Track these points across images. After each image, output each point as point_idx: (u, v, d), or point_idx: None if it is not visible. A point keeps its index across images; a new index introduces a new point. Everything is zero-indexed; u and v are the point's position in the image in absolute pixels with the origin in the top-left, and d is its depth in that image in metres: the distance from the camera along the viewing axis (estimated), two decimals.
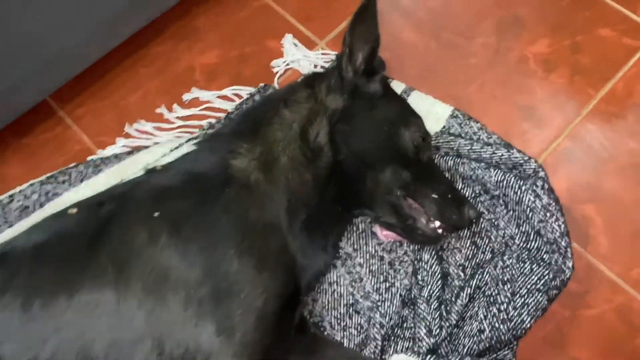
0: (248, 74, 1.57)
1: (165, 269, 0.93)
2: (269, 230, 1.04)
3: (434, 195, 1.16)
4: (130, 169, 1.31)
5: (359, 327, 1.19)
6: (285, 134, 1.14)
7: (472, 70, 1.55)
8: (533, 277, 1.18)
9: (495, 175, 1.26)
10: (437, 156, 1.35)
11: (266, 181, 1.09)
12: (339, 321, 1.20)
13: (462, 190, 1.33)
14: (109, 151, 1.43)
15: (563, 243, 1.18)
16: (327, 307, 1.21)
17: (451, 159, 1.33)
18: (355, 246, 1.28)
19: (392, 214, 1.18)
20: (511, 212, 1.27)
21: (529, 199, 1.22)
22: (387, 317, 1.19)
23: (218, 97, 1.53)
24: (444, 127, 1.41)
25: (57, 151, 1.51)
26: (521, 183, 1.23)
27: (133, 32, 1.51)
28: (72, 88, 1.56)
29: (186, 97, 1.54)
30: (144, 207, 1.00)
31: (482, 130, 1.39)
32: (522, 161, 1.28)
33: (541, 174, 1.25)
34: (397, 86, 1.48)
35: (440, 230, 1.19)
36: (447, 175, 1.35)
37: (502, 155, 1.30)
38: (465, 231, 1.29)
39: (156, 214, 0.98)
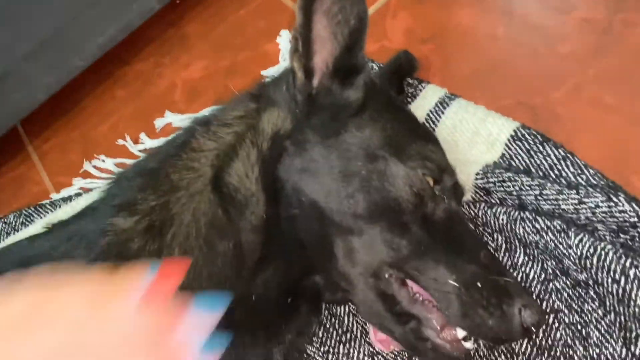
0: (237, 87, 1.16)
1: None
2: None
3: (453, 282, 0.64)
4: None
5: None
6: (193, 177, 0.70)
7: (563, 65, 0.96)
8: None
9: (580, 244, 0.69)
10: (483, 207, 0.80)
11: (151, 253, 0.66)
12: None
13: (520, 269, 0.76)
14: (63, 194, 1.15)
15: None
16: None
17: (505, 213, 0.77)
18: (331, 357, 0.78)
19: (380, 312, 0.67)
20: (612, 314, 0.68)
21: None
22: None
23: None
24: (503, 156, 0.85)
25: (18, 192, 1.25)
26: (629, 262, 0.64)
27: (106, 48, 1.19)
28: (43, 119, 1.30)
29: (159, 123, 1.18)
30: None
31: (567, 162, 0.80)
32: (635, 219, 0.68)
33: None
34: (433, 94, 0.95)
35: (468, 344, 0.66)
36: (493, 241, 0.79)
37: (598, 205, 0.71)
38: (524, 345, 0.72)
39: None
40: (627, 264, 0.64)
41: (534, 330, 0.64)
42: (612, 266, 0.65)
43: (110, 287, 0.45)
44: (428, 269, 0.65)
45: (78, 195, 1.10)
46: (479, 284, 0.63)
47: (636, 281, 0.63)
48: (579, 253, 0.69)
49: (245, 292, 0.67)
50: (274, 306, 0.71)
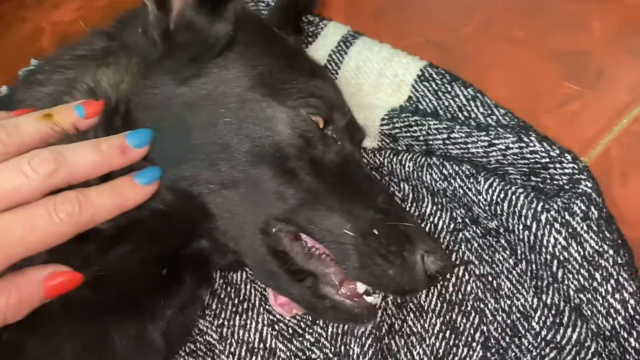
0: None
1: None
2: None
3: (349, 231, 0.57)
4: None
5: None
6: None
7: None
8: None
9: (490, 189, 0.63)
10: (389, 155, 0.73)
11: None
12: None
13: (428, 219, 0.70)
14: None
15: (633, 338, 0.54)
16: None
17: (411, 159, 0.70)
18: (225, 330, 0.69)
19: (274, 271, 0.60)
20: (523, 263, 0.63)
21: (558, 242, 0.57)
22: None
23: None
24: (410, 99, 0.78)
25: None
26: (541, 206, 0.59)
27: None
28: None
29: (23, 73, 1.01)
30: None
31: (476, 102, 0.74)
32: (546, 159, 0.63)
33: (585, 186, 0.60)
34: (334, 32, 0.86)
35: (370, 299, 0.60)
36: (400, 191, 0.73)
37: (509, 147, 0.65)
38: (433, 300, 0.67)
39: None
40: (539, 209, 0.59)
41: (439, 278, 0.59)
42: (524, 211, 0.60)
43: None
44: (321, 219, 0.58)
45: None
46: (376, 232, 0.57)
47: (547, 226, 0.58)
48: (488, 199, 0.63)
49: (98, 270, 0.57)
50: (144, 282, 0.60)
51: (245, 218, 0.59)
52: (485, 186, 0.63)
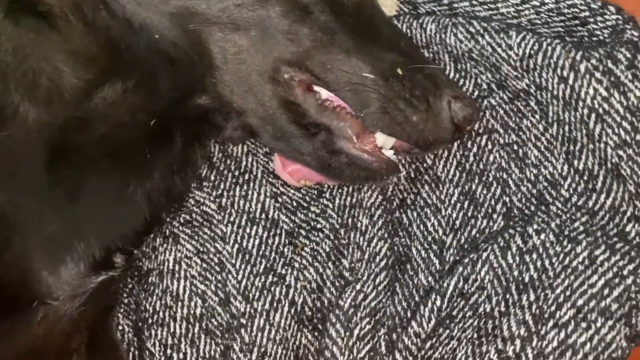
0: None
1: None
2: None
3: (369, 74, 0.52)
4: None
5: None
6: None
7: None
8: (598, 280, 0.49)
9: (523, 42, 0.56)
10: (408, 19, 0.66)
11: None
12: (173, 349, 0.59)
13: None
14: None
15: None
16: (150, 320, 0.60)
17: (434, 21, 0.63)
18: (225, 200, 0.64)
19: (284, 126, 0.55)
20: (555, 127, 0.57)
21: (598, 93, 0.51)
22: (255, 352, 0.56)
23: None
24: None
25: None
26: (580, 55, 0.52)
27: None
28: None
29: None
30: None
31: None
32: (586, 12, 0.56)
33: (630, 34, 0.53)
34: None
35: (390, 154, 0.56)
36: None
37: (544, 2, 0.59)
38: (451, 170, 0.61)
39: None
40: (578, 57, 0.52)
41: (466, 128, 0.54)
42: (560, 62, 0.53)
43: None
44: (337, 63, 0.52)
45: None
46: (400, 72, 0.51)
47: (587, 76, 0.52)
48: (520, 53, 0.56)
49: (79, 115, 0.51)
50: (131, 131, 0.54)
51: (253, 66, 0.53)
52: (518, 40, 0.57)
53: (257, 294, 0.57)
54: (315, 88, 0.54)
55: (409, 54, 0.54)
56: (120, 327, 0.62)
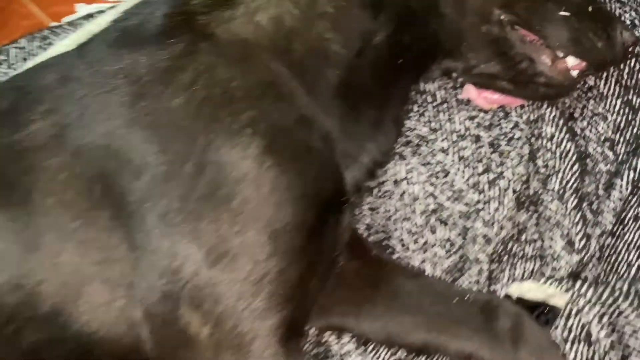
0: None
1: None
2: (268, 96, 0.62)
3: (563, 14, 0.70)
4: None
5: (447, 245, 0.75)
6: None
7: None
8: None
9: None
10: None
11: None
12: (415, 237, 0.76)
13: None
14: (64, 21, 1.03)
15: None
16: (394, 217, 0.77)
17: None
18: (433, 124, 0.82)
19: (494, 57, 0.73)
20: None
21: None
22: (495, 225, 0.74)
23: None
24: None
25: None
26: None
27: None
28: None
29: None
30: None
31: None
32: None
33: None
34: None
35: (575, 72, 0.74)
36: None
37: None
38: (611, 87, 0.80)
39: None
40: None
41: (630, 52, 0.75)
42: None
43: None
44: (538, 7, 0.71)
45: (101, 12, 1.00)
46: (590, 9, 0.70)
47: None
48: None
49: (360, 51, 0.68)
50: (382, 71, 0.71)
51: (472, 9, 0.71)
52: None
53: (488, 185, 0.75)
54: (516, 27, 0.72)
55: None
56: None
